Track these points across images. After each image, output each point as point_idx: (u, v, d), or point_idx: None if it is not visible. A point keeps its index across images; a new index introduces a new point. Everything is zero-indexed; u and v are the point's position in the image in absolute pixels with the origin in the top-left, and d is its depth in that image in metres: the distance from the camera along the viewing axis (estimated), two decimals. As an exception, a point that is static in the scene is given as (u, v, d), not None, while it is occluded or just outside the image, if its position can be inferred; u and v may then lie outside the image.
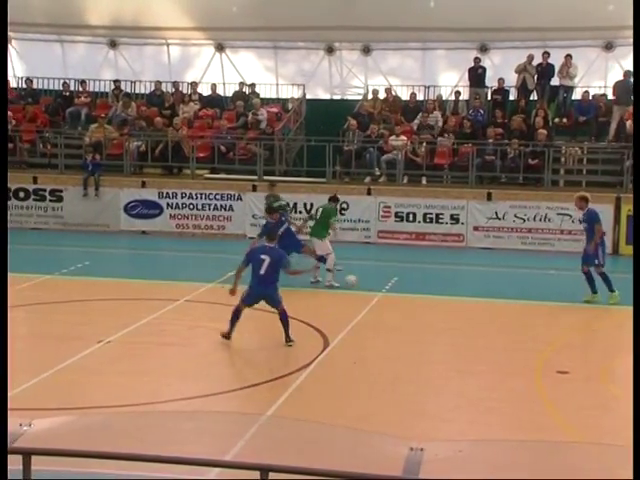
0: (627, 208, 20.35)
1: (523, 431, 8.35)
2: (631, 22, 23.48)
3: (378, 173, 22.31)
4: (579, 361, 11.16)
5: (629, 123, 21.66)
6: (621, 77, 23.01)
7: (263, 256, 11.87)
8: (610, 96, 23.19)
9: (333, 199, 16.83)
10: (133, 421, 4.91)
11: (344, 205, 20.92)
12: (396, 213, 21.01)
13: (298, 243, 15.81)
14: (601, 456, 3.45)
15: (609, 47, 24.39)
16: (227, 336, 11.80)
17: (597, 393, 9.95)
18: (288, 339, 11.71)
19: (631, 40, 24.16)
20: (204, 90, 25.64)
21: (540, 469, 3.24)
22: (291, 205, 21.26)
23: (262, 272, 11.76)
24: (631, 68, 22.65)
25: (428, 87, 25.09)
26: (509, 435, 7.65)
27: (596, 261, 14.54)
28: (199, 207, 21.64)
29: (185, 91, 25.40)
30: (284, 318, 11.77)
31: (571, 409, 9.28)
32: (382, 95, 24.35)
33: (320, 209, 16.59)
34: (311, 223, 16.86)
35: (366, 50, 25.92)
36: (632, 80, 22.08)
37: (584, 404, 9.43)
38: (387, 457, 3.35)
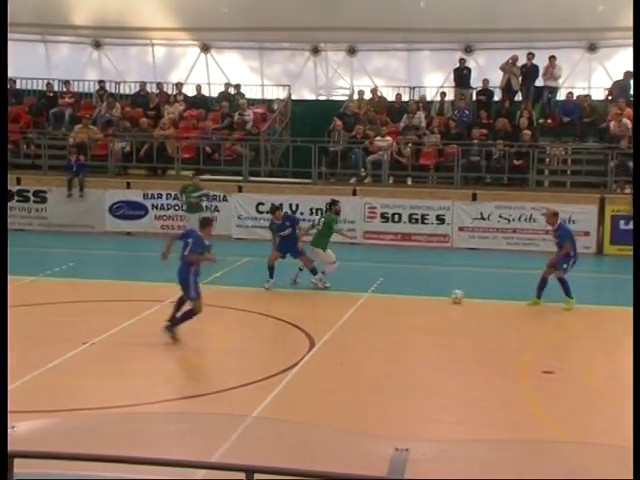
0: (611, 208, 20.46)
1: (509, 431, 8.36)
2: (615, 24, 23.69)
3: (364, 174, 22.33)
4: (564, 361, 11.20)
5: (613, 124, 21.80)
6: (620, 77, 23.18)
7: (190, 239, 11.93)
8: (594, 97, 23.35)
9: (332, 203, 16.64)
10: (118, 423, 4.89)
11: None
12: (382, 214, 21.04)
13: (297, 250, 15.59)
14: (587, 455, 3.47)
15: (593, 48, 24.53)
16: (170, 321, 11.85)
17: (582, 392, 9.98)
18: (170, 327, 11.60)
19: (615, 42, 24.41)
20: (189, 91, 25.57)
21: (526, 469, 3.25)
22: (276, 206, 21.26)
23: (185, 253, 11.83)
24: (624, 69, 22.90)
25: (413, 88, 25.14)
26: (495, 435, 7.67)
27: (564, 265, 14.50)
28: (184, 208, 21.56)
29: (170, 92, 25.33)
30: (188, 314, 11.69)
31: (556, 409, 9.31)
32: (367, 96, 24.39)
33: (322, 219, 16.37)
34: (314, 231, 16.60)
35: (351, 51, 25.94)
36: (631, 81, 22.40)
37: (569, 404, 9.46)
38: (372, 457, 3.35)
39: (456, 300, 14.45)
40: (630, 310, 13.72)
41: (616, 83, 23.10)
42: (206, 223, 12.52)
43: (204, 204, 19.41)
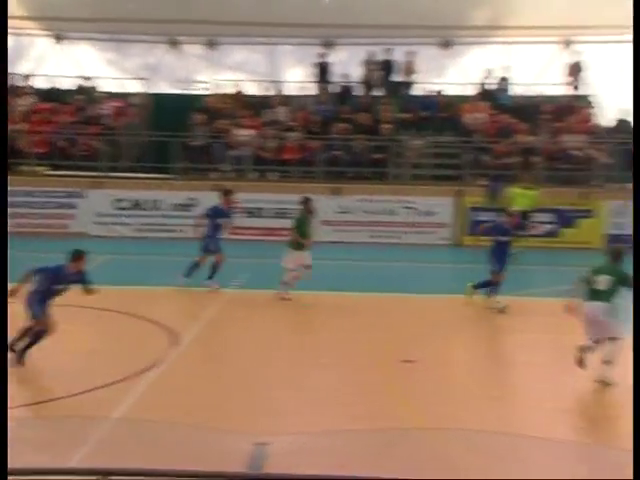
0: (467, 200, 21.15)
1: (370, 420, 8.43)
2: (467, 22, 24.57)
3: (226, 169, 22.13)
4: (424, 350, 11.41)
5: (467, 118, 22.58)
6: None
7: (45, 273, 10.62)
8: (449, 92, 24.12)
9: (303, 202, 15.33)
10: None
11: (190, 202, 20.62)
12: (245, 209, 20.91)
13: (217, 246, 14.92)
14: (445, 441, 3.49)
15: (447, 45, 25.27)
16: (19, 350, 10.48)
17: (440, 380, 10.19)
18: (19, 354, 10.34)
19: (467, 39, 25.31)
20: (41, 83, 24.54)
21: (385, 456, 3.23)
22: (135, 202, 20.81)
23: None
24: (477, 66, 23.84)
25: (275, 82, 25.14)
26: (356, 425, 7.70)
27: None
28: (39, 205, 20.70)
29: (19, 84, 24.20)
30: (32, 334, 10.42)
31: (416, 397, 9.46)
32: (229, 90, 24.18)
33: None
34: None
35: (211, 44, 25.63)
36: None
37: (428, 391, 9.64)
38: (232, 453, 3.25)
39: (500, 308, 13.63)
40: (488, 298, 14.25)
41: (486, 80, 23.94)
42: (77, 256, 10.82)
43: None
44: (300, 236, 14.55)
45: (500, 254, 13.81)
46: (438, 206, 21.11)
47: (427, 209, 21.14)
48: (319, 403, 9.23)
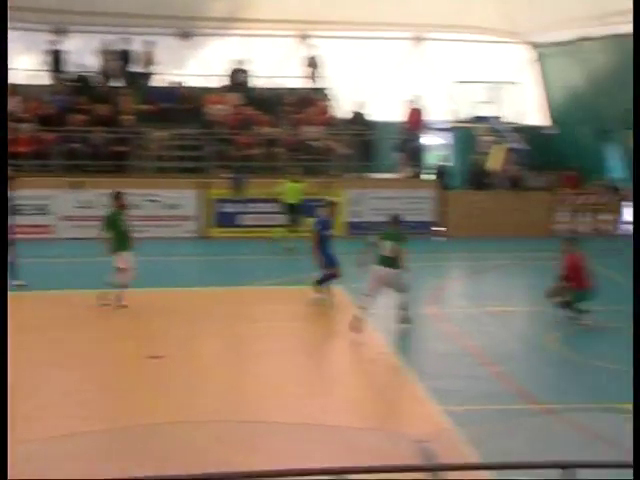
0: (212, 192, 21.08)
1: (118, 419, 8.08)
2: (205, 13, 24.53)
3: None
4: (175, 345, 11.18)
5: (210, 110, 22.54)
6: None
7: None
8: (190, 84, 23.92)
9: (115, 197, 13.79)
10: None
11: None
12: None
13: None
14: (197, 432, 3.31)
15: (186, 36, 25.02)
16: None
17: (191, 374, 10.04)
18: None
19: (206, 30, 25.32)
20: None
21: (134, 452, 2.99)
22: None
23: None
24: (217, 57, 23.84)
25: (3, 70, 23.45)
26: (101, 426, 7.32)
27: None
28: None
29: None
30: None
31: (165, 391, 9.25)
32: (-52, 77, 22.20)
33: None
34: None
35: None
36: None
37: (178, 385, 9.47)
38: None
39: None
40: (240, 289, 14.30)
41: (227, 72, 23.96)
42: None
43: None
44: (117, 235, 13.28)
45: (326, 247, 13.49)
46: (183, 199, 20.89)
47: (172, 202, 20.83)
48: (58, 406, 8.70)
